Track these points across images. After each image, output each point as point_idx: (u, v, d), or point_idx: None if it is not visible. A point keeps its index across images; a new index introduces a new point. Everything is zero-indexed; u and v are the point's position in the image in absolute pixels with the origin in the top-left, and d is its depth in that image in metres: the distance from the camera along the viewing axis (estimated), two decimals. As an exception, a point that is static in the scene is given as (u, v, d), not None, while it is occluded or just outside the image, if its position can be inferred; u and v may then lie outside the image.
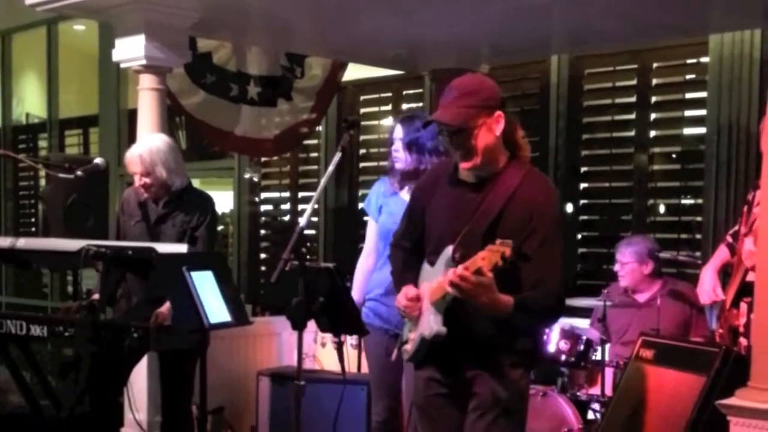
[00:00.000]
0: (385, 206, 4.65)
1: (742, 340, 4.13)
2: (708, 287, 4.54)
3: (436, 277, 3.20)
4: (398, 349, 3.54)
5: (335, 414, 4.10)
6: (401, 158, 4.55)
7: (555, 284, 3.22)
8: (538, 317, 3.30)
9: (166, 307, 4.28)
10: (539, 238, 3.17)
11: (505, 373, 3.26)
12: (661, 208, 6.73)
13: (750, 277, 4.10)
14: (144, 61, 5.39)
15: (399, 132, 4.56)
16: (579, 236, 6.85)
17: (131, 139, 5.50)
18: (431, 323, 3.15)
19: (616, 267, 5.64)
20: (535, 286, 3.16)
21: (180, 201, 4.85)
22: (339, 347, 4.45)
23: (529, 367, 3.39)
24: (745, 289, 4.13)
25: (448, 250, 3.17)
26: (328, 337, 4.77)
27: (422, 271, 3.36)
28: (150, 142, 4.87)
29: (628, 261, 5.56)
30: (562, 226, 3.35)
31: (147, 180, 4.77)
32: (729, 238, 4.58)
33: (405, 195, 4.62)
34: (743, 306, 4.16)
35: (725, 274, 4.59)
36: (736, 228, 4.48)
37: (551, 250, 3.20)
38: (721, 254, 4.61)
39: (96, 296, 4.46)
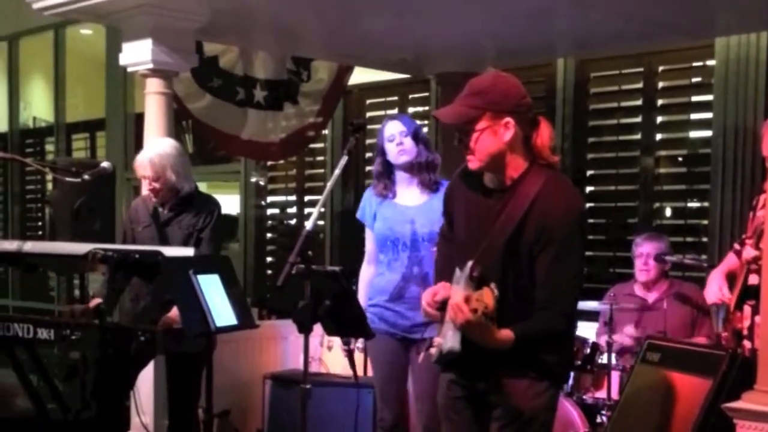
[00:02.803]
0: (378, 213, 4.65)
1: (746, 343, 4.13)
2: (714, 287, 4.53)
3: (459, 288, 3.11)
4: (426, 351, 3.52)
5: (353, 419, 4.08)
6: (409, 150, 4.53)
7: (565, 307, 3.14)
8: (542, 341, 3.16)
9: (175, 311, 4.29)
10: (551, 254, 3.07)
11: (530, 385, 3.19)
12: (668, 211, 6.73)
13: (752, 280, 4.10)
14: (151, 65, 5.40)
15: (398, 126, 4.54)
16: (585, 239, 6.84)
17: (138, 143, 5.52)
18: (449, 338, 3.11)
19: (640, 260, 5.60)
20: (545, 307, 3.09)
21: (186, 204, 4.86)
22: (350, 355, 4.44)
23: (555, 380, 3.30)
24: (748, 292, 4.13)
25: (468, 266, 3.08)
26: (338, 344, 4.77)
27: (454, 274, 3.21)
28: (159, 147, 4.89)
29: (658, 254, 5.54)
30: (579, 238, 3.14)
31: (156, 185, 4.78)
32: (737, 246, 4.57)
33: (401, 198, 4.61)
34: (746, 309, 4.15)
35: (733, 279, 4.59)
36: (744, 235, 4.48)
37: (564, 267, 3.08)
38: (730, 260, 4.61)
39: (97, 300, 4.47)
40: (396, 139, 4.52)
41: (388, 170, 4.61)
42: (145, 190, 4.99)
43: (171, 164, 4.77)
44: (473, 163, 3.18)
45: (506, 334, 3.05)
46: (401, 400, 4.68)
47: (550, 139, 3.22)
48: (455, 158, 3.37)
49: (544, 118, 3.26)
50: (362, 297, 4.66)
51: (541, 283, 3.10)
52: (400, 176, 4.61)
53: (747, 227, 4.42)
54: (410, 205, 4.57)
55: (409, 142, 4.52)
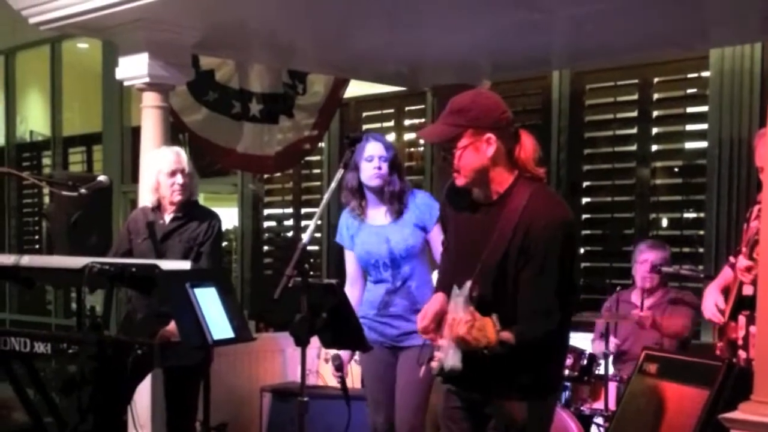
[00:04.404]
0: (356, 237, 4.63)
1: (741, 353, 4.14)
2: (710, 303, 4.54)
3: (458, 307, 3.13)
4: (426, 363, 3.53)
5: (352, 431, 4.07)
6: (384, 176, 4.51)
7: (554, 321, 3.13)
8: (533, 349, 3.18)
9: (173, 324, 4.29)
10: (536, 265, 3.09)
11: (524, 398, 3.21)
12: (664, 222, 6.74)
13: (746, 290, 4.11)
14: (147, 79, 5.41)
15: (380, 149, 4.51)
16: (582, 250, 6.86)
17: (135, 156, 5.54)
18: (450, 356, 3.13)
19: (644, 267, 5.55)
20: (532, 317, 3.11)
21: (187, 217, 4.86)
22: (342, 382, 4.44)
23: (545, 393, 3.32)
24: (743, 303, 4.14)
25: (466, 287, 3.11)
26: (330, 371, 4.74)
27: (452, 290, 3.22)
28: (178, 149, 4.99)
29: (660, 264, 5.54)
30: (563, 248, 3.13)
31: (187, 180, 4.83)
32: (732, 259, 4.58)
33: (372, 218, 4.61)
34: (741, 319, 4.16)
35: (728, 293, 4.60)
36: (738, 247, 4.49)
37: (548, 278, 3.10)
38: (725, 274, 4.62)
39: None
40: (375, 162, 4.50)
41: (361, 186, 4.60)
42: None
43: (191, 165, 4.90)
44: (459, 180, 3.23)
45: (506, 336, 3.07)
46: (393, 405, 4.68)
47: (533, 152, 3.25)
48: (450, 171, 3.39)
49: (526, 131, 3.28)
50: None
51: (525, 294, 3.11)
52: (368, 195, 4.62)
53: (742, 238, 4.43)
54: (383, 224, 4.57)
55: (386, 168, 4.52)
